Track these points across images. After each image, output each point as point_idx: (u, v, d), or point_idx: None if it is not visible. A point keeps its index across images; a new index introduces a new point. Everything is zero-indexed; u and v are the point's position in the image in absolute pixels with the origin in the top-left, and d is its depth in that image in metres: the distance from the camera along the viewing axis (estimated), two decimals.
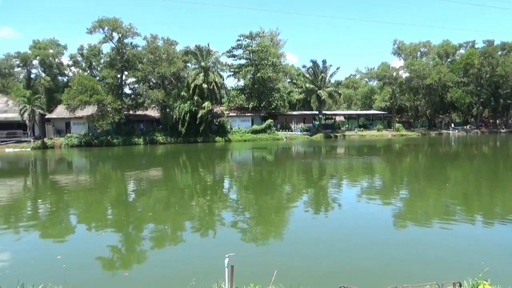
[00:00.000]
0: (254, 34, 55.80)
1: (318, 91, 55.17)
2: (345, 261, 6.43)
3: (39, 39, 65.81)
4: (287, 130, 55.77)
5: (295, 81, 67.55)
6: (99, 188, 15.96)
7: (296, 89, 63.01)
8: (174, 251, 7.26)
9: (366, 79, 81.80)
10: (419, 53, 68.48)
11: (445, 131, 64.09)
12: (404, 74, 67.08)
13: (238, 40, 55.91)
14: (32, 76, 69.15)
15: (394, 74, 67.11)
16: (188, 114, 46.31)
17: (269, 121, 52.85)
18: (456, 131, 63.76)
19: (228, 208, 11.18)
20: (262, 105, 55.57)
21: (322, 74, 56.63)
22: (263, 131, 51.89)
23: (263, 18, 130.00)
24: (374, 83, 77.79)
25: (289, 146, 40.14)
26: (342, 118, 70.51)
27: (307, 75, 59.43)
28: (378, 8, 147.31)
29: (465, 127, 67.41)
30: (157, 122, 51.13)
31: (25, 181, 19.58)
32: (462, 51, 71.88)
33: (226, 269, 3.60)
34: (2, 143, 43.03)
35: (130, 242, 8.05)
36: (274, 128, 53.26)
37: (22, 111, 42.99)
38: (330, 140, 50.13)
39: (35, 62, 66.80)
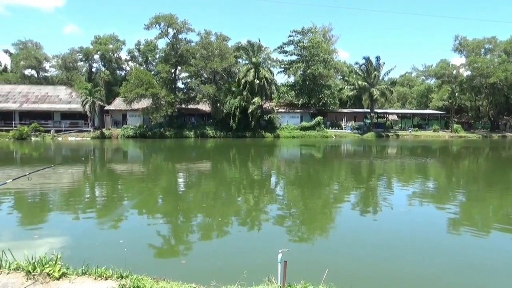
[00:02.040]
0: (306, 30, 55.34)
1: (371, 89, 53.68)
2: (396, 265, 6.32)
3: (100, 35, 69.86)
4: (336, 128, 54.87)
5: (346, 78, 66.17)
6: (152, 178, 16.78)
7: (348, 86, 61.76)
8: (224, 243, 7.50)
9: (423, 77, 78.16)
10: (483, 50, 64.14)
11: (510, 134, 59.74)
12: (465, 72, 63.40)
13: (290, 36, 55.79)
14: (93, 70, 73.68)
15: (454, 72, 63.59)
16: (238, 109, 47.05)
17: (318, 118, 52.29)
18: None
19: (275, 203, 11.30)
20: (312, 102, 55.05)
21: (375, 72, 55.03)
22: (312, 128, 51.45)
23: (315, 14, 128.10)
24: (432, 82, 74.22)
25: (338, 144, 39.51)
26: (395, 117, 68.12)
27: (359, 72, 57.99)
28: (438, 1, 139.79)
29: None
30: (207, 116, 52.47)
31: (85, 169, 21.00)
32: None
33: (279, 264, 3.62)
34: (65, 132, 46.38)
35: (183, 232, 8.43)
36: (323, 126, 52.59)
37: (84, 103, 46.01)
38: (381, 140, 48.66)
39: (96, 56, 71.16)
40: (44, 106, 48.92)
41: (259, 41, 52.01)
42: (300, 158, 28.48)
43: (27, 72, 70.78)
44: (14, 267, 4.03)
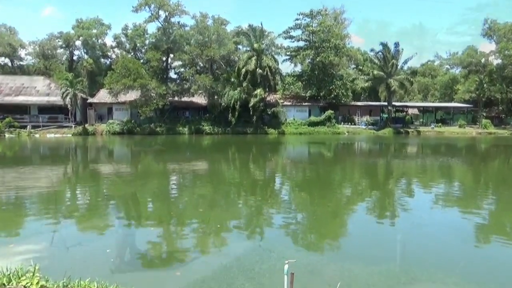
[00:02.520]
0: (315, 12, 55.12)
1: (388, 80, 53.58)
2: (414, 277, 6.35)
3: (83, 18, 69.88)
4: (349, 123, 54.81)
5: (360, 67, 66.04)
6: (141, 180, 16.85)
7: (362, 77, 61.69)
8: (223, 252, 7.55)
9: (447, 65, 77.97)
10: None
11: None
12: (496, 60, 63.15)
13: (297, 19, 55.42)
14: (75, 58, 73.71)
15: (483, 60, 63.37)
16: (238, 102, 46.99)
17: (329, 112, 52.22)
18: None
19: (280, 209, 11.33)
20: (321, 94, 54.92)
21: (393, 60, 54.82)
22: (321, 123, 51.45)
23: None
24: (457, 71, 74.00)
25: (351, 142, 39.56)
26: (415, 111, 68.03)
27: (376, 61, 57.77)
28: None
29: None
30: (203, 110, 52.45)
31: (66, 170, 21.08)
32: None
33: (286, 276, 3.68)
34: (44, 128, 46.52)
35: (177, 240, 8.48)
36: (335, 121, 52.56)
37: (64, 95, 46.05)
38: (400, 136, 48.64)
39: (78, 43, 71.10)
40: (20, 99, 49.03)
41: (261, 25, 51.88)
42: (309, 157, 28.54)
43: (0, 60, 70.95)
44: None
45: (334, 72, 55.57)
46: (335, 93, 54.34)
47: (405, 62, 57.73)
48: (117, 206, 11.72)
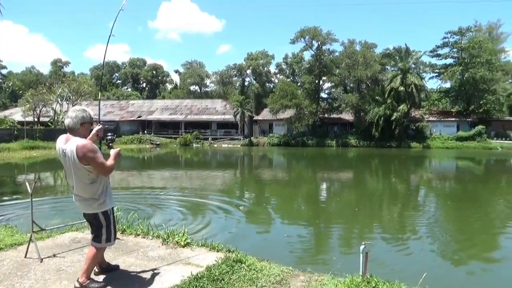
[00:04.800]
0: (464, 30, 49.28)
1: None
2: None
3: (252, 52, 75.92)
4: (504, 139, 46.83)
5: None
6: (294, 183, 17.39)
7: None
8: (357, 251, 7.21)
9: None
10: None
11: None
12: None
13: (445, 37, 50.59)
14: (246, 83, 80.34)
15: None
16: (382, 118, 44.75)
17: (479, 127, 45.58)
18: None
19: (421, 218, 10.15)
20: (470, 109, 48.43)
21: None
22: (471, 138, 45.15)
23: (479, 10, 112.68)
24: None
25: (505, 158, 33.72)
26: None
27: None
28: None
29: None
30: (350, 125, 51.38)
31: (235, 172, 23.04)
32: None
33: (361, 254, 3.72)
34: (220, 140, 51.79)
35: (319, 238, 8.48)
36: (486, 136, 45.58)
37: (235, 113, 50.60)
38: None
39: (248, 71, 77.40)
40: (204, 117, 55.61)
41: (406, 45, 48.51)
42: (456, 171, 25.30)
43: (192, 88, 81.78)
44: (156, 235, 5.31)
45: (486, 87, 48.44)
46: (486, 108, 47.32)
47: None
48: (273, 204, 12.27)
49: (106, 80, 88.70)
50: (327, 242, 7.78)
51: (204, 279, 3.73)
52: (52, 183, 16.65)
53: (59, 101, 44.55)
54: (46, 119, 46.19)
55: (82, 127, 3.52)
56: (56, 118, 44.50)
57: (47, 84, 47.03)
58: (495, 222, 9.79)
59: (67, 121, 3.52)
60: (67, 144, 3.46)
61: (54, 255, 4.42)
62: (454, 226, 9.40)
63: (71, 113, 3.53)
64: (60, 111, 44.78)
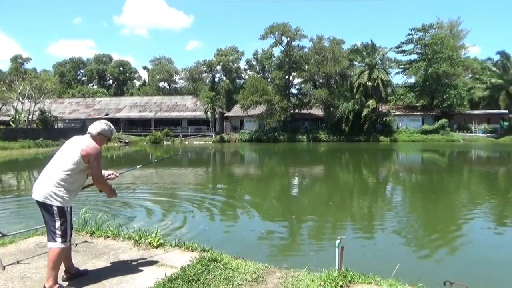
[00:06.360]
0: (427, 26, 51.00)
1: (510, 88, 46.66)
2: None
3: (222, 48, 75.39)
4: (465, 131, 48.91)
5: (477, 76, 58.68)
6: (267, 179, 17.42)
7: (479, 85, 54.74)
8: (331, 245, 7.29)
9: None
10: None
11: None
12: None
13: (409, 34, 52.10)
14: (216, 80, 79.76)
15: None
16: (351, 113, 45.70)
17: (442, 120, 47.43)
18: None
19: (391, 211, 10.40)
20: (434, 103, 50.28)
21: None
22: (435, 131, 46.92)
23: (440, 7, 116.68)
24: None
25: (466, 150, 35.22)
26: None
27: (494, 69, 50.88)
28: None
29: None
30: (320, 121, 52.15)
31: (207, 169, 22.85)
32: None
33: (337, 249, 3.78)
34: (191, 137, 51.24)
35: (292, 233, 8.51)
36: (449, 129, 47.45)
37: (206, 110, 50.17)
38: None
39: (218, 67, 76.87)
40: (174, 114, 54.78)
41: (371, 41, 49.58)
42: (421, 163, 26.19)
43: (161, 84, 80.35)
44: (127, 236, 5.16)
45: (448, 82, 50.38)
46: (449, 102, 49.30)
47: None
48: (247, 199, 12.23)
49: (71, 77, 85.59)
50: (301, 237, 7.82)
51: (179, 280, 3.63)
52: (14, 185, 15.88)
53: (21, 99, 42.53)
54: (7, 118, 44.06)
55: (98, 136, 3.70)
56: (17, 117, 42.49)
57: (7, 81, 44.71)
58: (459, 211, 10.24)
59: (90, 127, 3.75)
60: (81, 138, 3.67)
61: (18, 262, 4.17)
62: (423, 217, 9.71)
63: (97, 123, 3.78)
64: (22, 109, 42.81)
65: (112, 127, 3.87)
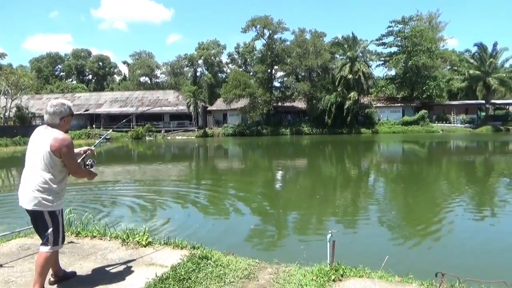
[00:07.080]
0: (407, 19, 51.63)
1: (486, 78, 47.82)
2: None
3: (203, 41, 74.64)
4: (444, 122, 49.97)
5: (455, 68, 59.88)
6: (252, 173, 17.40)
7: (458, 77, 55.88)
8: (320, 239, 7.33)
9: None
10: None
11: None
12: None
13: (389, 27, 52.56)
14: (198, 74, 79.00)
15: None
16: (334, 105, 46.05)
17: (422, 111, 48.32)
18: None
19: (377, 202, 10.55)
20: (414, 95, 51.16)
21: (490, 59, 48.80)
22: (415, 122, 47.78)
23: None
24: None
25: (445, 140, 36.02)
26: None
27: (471, 61, 52.03)
28: None
29: None
30: (303, 113, 52.36)
31: (191, 164, 22.66)
32: None
33: (328, 243, 3.80)
34: (173, 132, 50.70)
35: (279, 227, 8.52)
36: (428, 120, 48.39)
37: (188, 104, 49.71)
38: (499, 134, 43.00)
39: (200, 61, 76.13)
40: (156, 109, 53.99)
41: (352, 34, 49.93)
42: (402, 154, 26.66)
43: (142, 79, 79.10)
44: (114, 235, 5.05)
45: (428, 74, 51.21)
46: (429, 94, 50.24)
47: (506, 60, 51.14)
48: (232, 193, 12.19)
49: (49, 72, 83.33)
50: (289, 231, 7.85)
51: (170, 279, 3.57)
52: None
53: None
54: None
55: (62, 121, 3.34)
56: None
57: None
58: (441, 200, 10.52)
59: (45, 117, 3.32)
60: (45, 131, 3.30)
61: (1, 266, 4.04)
62: (407, 207, 9.91)
63: (49, 109, 3.31)
64: None
65: (64, 101, 3.45)
